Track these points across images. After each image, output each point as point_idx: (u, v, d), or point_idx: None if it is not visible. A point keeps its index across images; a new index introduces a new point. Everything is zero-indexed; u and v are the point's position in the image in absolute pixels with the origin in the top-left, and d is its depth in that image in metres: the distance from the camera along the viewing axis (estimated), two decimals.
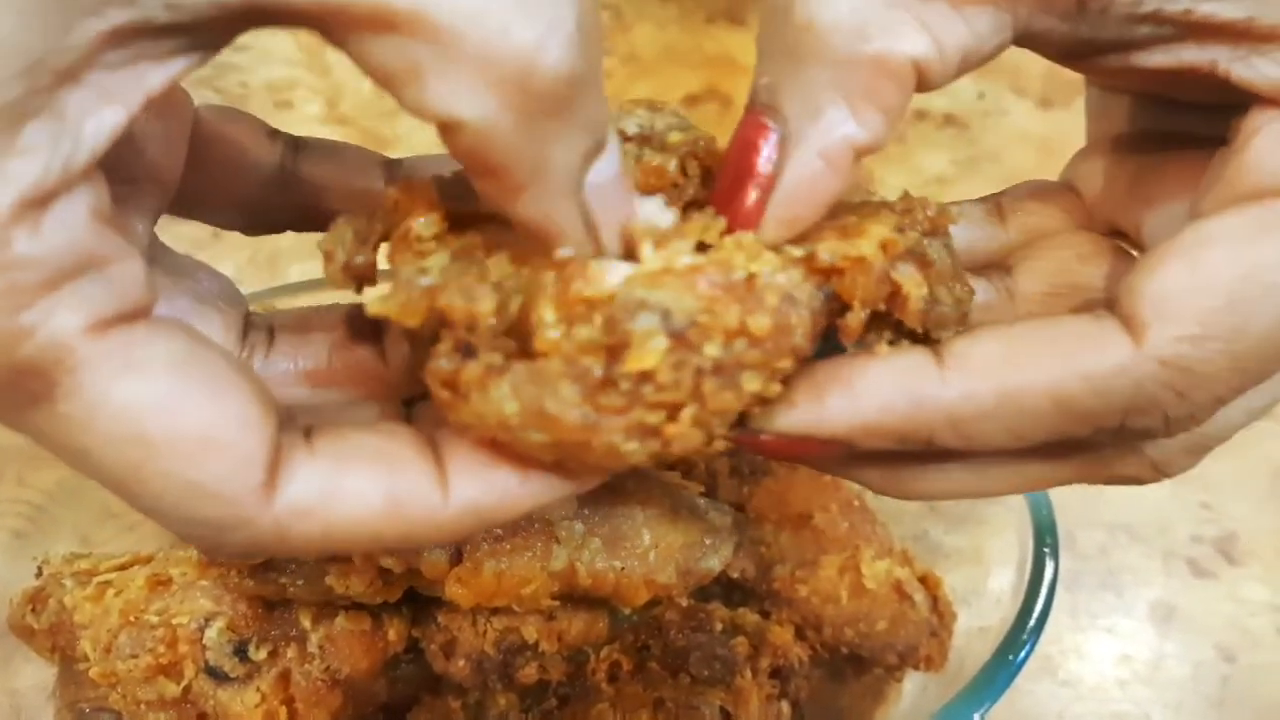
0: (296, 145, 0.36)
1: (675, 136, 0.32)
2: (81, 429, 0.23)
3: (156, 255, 0.33)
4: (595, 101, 0.24)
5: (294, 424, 0.27)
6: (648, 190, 0.30)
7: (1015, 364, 0.26)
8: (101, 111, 0.22)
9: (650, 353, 0.25)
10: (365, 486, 0.26)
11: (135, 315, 0.24)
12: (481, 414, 0.26)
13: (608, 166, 0.25)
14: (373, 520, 0.26)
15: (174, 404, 0.23)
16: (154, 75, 0.23)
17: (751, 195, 0.28)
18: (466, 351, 0.26)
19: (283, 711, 0.43)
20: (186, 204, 0.34)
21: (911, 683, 0.51)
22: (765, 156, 0.28)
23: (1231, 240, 0.25)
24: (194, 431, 0.23)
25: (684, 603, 0.48)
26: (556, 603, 0.45)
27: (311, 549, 0.26)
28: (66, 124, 0.22)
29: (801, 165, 0.27)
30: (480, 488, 0.27)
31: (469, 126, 0.22)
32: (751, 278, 0.26)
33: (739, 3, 0.92)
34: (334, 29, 0.22)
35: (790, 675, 0.48)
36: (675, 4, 0.90)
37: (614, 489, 0.42)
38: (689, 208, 0.30)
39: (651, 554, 0.45)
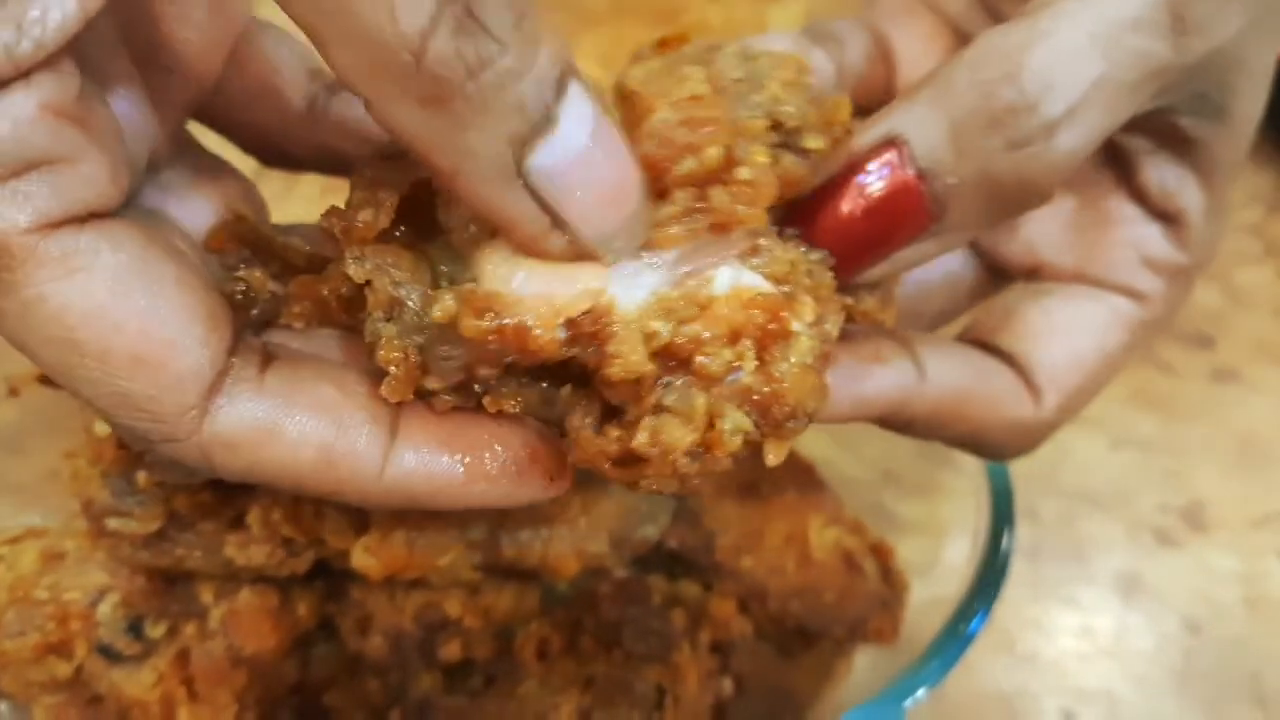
0: (332, 88, 0.34)
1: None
2: (17, 326, 0.23)
3: (181, 149, 0.31)
4: (518, 82, 0.21)
5: (253, 348, 0.26)
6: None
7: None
8: (50, 3, 0.21)
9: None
10: (303, 436, 0.25)
11: (87, 218, 0.23)
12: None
13: (561, 149, 0.22)
14: (301, 469, 0.25)
15: (108, 316, 0.23)
16: None
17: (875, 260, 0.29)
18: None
19: (181, 693, 0.40)
20: (212, 112, 0.33)
21: (863, 657, 0.49)
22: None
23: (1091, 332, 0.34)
24: (124, 347, 0.23)
25: (620, 574, 0.45)
26: (480, 575, 0.43)
27: (233, 477, 0.26)
28: (8, 12, 0.20)
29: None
30: (421, 474, 0.26)
31: (369, 104, 0.21)
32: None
33: None
34: None
35: (732, 650, 0.45)
36: None
37: None
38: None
39: (581, 521, 0.42)
